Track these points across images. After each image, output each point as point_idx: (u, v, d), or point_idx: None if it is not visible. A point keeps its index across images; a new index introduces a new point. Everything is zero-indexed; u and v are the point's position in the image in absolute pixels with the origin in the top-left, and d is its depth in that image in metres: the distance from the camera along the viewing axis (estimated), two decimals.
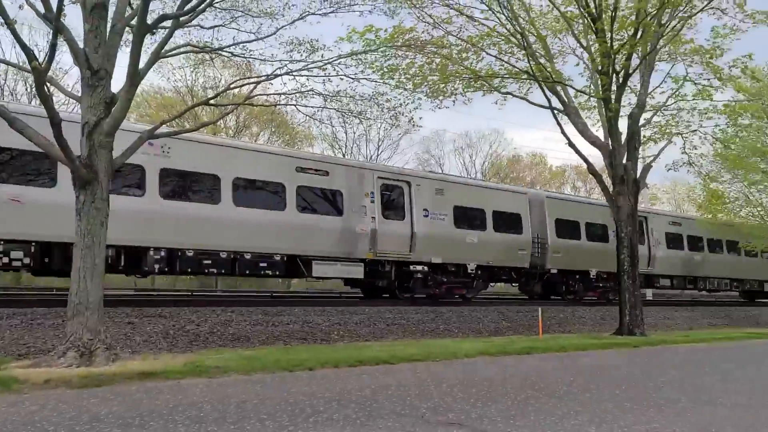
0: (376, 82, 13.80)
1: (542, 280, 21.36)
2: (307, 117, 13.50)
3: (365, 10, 12.76)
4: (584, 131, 15.94)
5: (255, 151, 16.17)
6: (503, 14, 14.92)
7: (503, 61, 15.73)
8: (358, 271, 16.38)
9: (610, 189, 16.05)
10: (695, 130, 16.07)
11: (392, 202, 17.17)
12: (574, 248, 21.30)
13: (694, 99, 15.42)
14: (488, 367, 8.84)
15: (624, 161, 15.70)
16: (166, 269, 13.84)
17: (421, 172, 21.77)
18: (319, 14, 11.87)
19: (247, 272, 15.43)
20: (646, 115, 16.14)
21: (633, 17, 14.19)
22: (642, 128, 16.07)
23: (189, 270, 14.72)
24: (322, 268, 15.85)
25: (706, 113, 15.69)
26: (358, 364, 8.57)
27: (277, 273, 15.97)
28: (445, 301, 18.06)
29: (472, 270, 18.50)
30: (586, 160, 16.47)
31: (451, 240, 17.88)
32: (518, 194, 20.98)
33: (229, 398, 5.88)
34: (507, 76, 15.91)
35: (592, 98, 16.39)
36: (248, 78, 14.17)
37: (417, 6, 15.14)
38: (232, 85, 13.14)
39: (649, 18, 13.90)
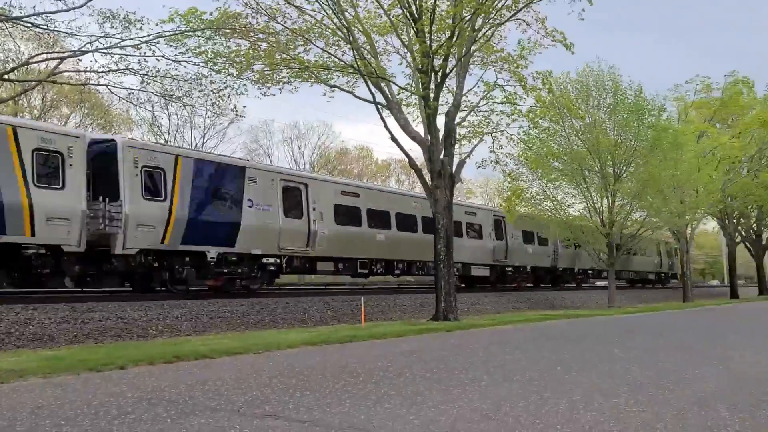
0: (198, 65, 13.29)
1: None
2: (122, 99, 12.63)
3: None
4: (406, 127, 16.66)
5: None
6: (330, 8, 15.07)
7: (330, 53, 15.92)
8: (486, 271, 28.63)
9: (429, 183, 16.96)
10: (503, 131, 17.52)
11: (499, 230, 29.48)
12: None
13: (502, 103, 16.79)
14: (310, 356, 8.93)
15: (441, 157, 16.66)
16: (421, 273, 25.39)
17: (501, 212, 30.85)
18: None
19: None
20: (461, 114, 17.24)
21: (450, 20, 15.07)
22: (458, 126, 17.16)
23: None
24: (474, 270, 27.81)
25: (512, 116, 17.17)
26: (176, 360, 8.23)
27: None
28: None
29: (528, 269, 31.70)
30: (407, 154, 17.23)
31: (522, 250, 30.76)
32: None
33: (23, 404, 5.34)
34: (334, 69, 16.12)
35: (413, 95, 17.17)
36: (53, 52, 12.88)
37: None
38: (32, 60, 11.85)
39: (464, 22, 14.85)
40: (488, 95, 16.83)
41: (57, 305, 13.40)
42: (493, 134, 17.42)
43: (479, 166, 19.81)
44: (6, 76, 12.14)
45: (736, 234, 46.54)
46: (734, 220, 45.31)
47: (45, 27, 10.95)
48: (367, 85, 16.31)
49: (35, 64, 14.85)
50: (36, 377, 6.81)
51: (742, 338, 12.34)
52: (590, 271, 37.01)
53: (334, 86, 16.69)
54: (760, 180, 38.00)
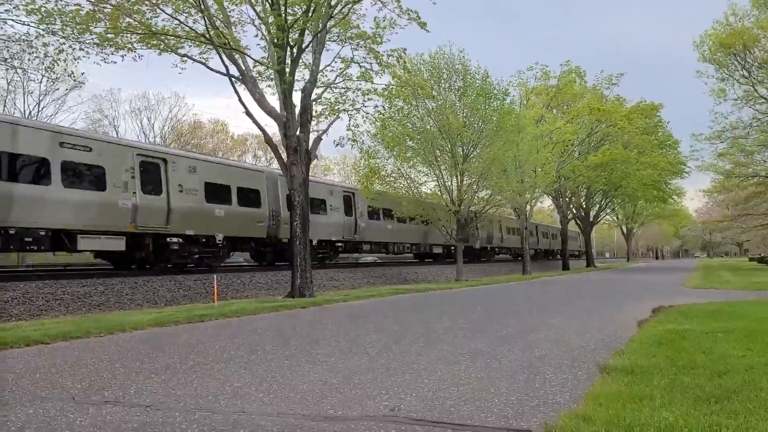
0: (29, 25, 12.04)
1: None
2: None
3: None
4: (261, 101, 16.29)
5: None
6: None
7: (180, 21, 15.09)
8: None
9: (285, 159, 16.78)
10: (358, 109, 17.71)
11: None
12: None
13: (358, 80, 16.94)
14: (157, 338, 8.58)
15: (297, 133, 16.53)
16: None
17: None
18: None
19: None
20: (318, 91, 17.17)
21: None
22: (314, 103, 17.08)
23: None
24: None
25: (368, 94, 17.39)
26: (2, 348, 7.54)
27: None
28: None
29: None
30: (262, 129, 16.89)
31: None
32: None
33: None
34: (184, 37, 15.31)
35: (269, 69, 16.81)
36: None
37: None
38: None
39: None
40: (345, 72, 16.91)
41: None
42: (349, 112, 17.56)
43: (337, 144, 19.83)
44: None
45: (569, 211, 51.04)
46: (567, 199, 49.65)
47: None
48: (221, 57, 15.70)
49: None
50: None
51: (568, 306, 13.63)
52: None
53: (185, 56, 15.83)
54: (589, 162, 41.97)
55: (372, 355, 6.80)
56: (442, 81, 27.65)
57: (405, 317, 11.40)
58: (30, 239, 14.93)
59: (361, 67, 16.91)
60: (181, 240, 19.03)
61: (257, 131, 17.79)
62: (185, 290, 17.94)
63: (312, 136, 17.18)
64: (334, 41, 17.51)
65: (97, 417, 4.22)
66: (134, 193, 17.34)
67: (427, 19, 16.21)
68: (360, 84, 16.86)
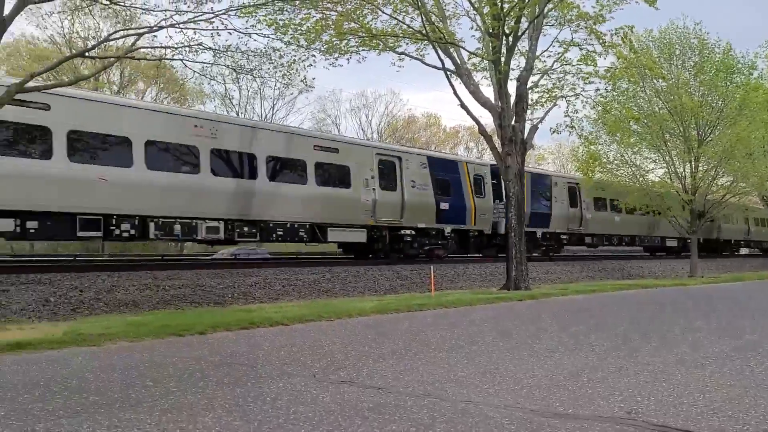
0: (268, 37, 13.39)
1: None
2: (196, 73, 12.88)
3: None
4: (476, 93, 16.30)
5: None
6: None
7: (398, 20, 15.69)
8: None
9: (500, 150, 16.61)
10: (578, 94, 16.86)
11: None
12: None
13: (578, 63, 16.13)
14: (381, 324, 9.02)
15: (512, 123, 16.25)
16: None
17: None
18: None
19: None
20: (533, 78, 16.72)
21: None
22: (530, 91, 16.64)
23: None
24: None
25: (587, 78, 16.48)
26: (251, 326, 8.49)
27: None
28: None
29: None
30: (477, 121, 16.89)
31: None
32: None
33: (113, 366, 5.65)
34: (401, 35, 15.89)
35: (483, 60, 16.75)
36: (130, 29, 13.26)
37: None
38: (111, 37, 12.23)
39: None
40: (563, 57, 16.21)
41: (140, 273, 14.06)
42: (567, 98, 16.82)
43: (554, 132, 19.06)
44: (87, 54, 12.64)
45: None
46: None
47: (123, 4, 11.25)
48: (436, 52, 16.01)
49: (113, 42, 15.40)
50: (124, 341, 7.18)
51: None
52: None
53: (403, 54, 16.45)
54: None
55: (599, 353, 6.41)
56: (674, 58, 25.13)
57: (632, 314, 10.61)
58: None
59: (581, 49, 16.10)
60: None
61: (469, 123, 17.96)
62: (402, 279, 18.68)
63: (527, 125, 16.78)
64: (551, 25, 16.88)
65: (336, 395, 4.52)
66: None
67: None
68: (580, 67, 16.03)
